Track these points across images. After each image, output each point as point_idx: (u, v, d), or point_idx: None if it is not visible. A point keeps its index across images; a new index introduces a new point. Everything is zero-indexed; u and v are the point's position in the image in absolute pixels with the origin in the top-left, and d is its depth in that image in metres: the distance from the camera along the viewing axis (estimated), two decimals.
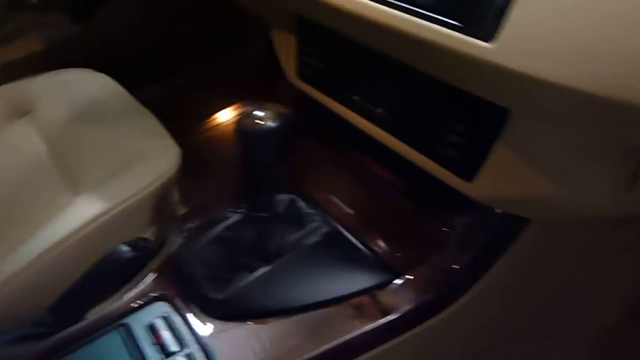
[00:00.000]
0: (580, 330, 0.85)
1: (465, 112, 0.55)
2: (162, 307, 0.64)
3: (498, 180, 0.55)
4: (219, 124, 1.61)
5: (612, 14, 0.37)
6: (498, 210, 0.62)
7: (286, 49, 0.81)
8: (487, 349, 0.77)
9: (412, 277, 0.64)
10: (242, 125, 0.56)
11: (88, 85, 1.08)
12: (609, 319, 0.85)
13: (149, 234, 0.80)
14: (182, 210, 0.91)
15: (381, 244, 0.69)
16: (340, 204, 0.74)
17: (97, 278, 0.71)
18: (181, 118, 0.97)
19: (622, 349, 0.87)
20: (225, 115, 1.63)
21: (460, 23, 0.46)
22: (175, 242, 0.72)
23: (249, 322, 0.61)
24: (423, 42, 0.49)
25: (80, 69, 1.13)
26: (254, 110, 0.57)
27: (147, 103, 1.00)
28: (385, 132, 0.65)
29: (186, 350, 0.59)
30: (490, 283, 0.63)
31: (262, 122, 0.56)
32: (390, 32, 0.52)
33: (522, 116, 0.50)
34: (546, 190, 0.51)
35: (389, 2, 0.51)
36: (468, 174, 0.57)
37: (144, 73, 1.29)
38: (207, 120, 1.60)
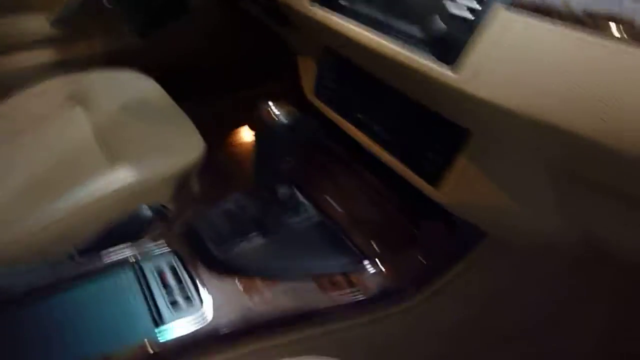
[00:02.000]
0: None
1: (433, 129, 0.68)
2: (172, 260, 0.76)
3: (459, 189, 0.67)
4: (239, 143, 1.76)
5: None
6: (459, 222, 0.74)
7: (308, 72, 0.96)
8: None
9: (382, 267, 0.76)
10: (260, 116, 0.69)
11: (136, 85, 1.24)
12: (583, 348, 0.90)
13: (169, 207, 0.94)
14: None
15: (363, 238, 0.81)
16: (333, 203, 0.87)
17: (119, 229, 0.84)
18: (204, 129, 1.11)
19: None
20: (246, 136, 1.78)
21: (432, 54, 0.59)
22: (190, 213, 0.85)
23: (243, 279, 0.73)
24: (402, 65, 0.62)
25: (130, 70, 1.30)
26: (271, 106, 0.70)
27: None
28: (379, 147, 0.79)
29: (185, 293, 0.71)
30: (451, 282, 0.74)
31: (277, 117, 0.69)
32: (379, 56, 0.65)
33: (479, 135, 0.63)
34: (499, 204, 0.63)
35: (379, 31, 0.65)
36: (433, 180, 0.69)
37: (188, 88, 1.45)
38: (228, 138, 1.75)
